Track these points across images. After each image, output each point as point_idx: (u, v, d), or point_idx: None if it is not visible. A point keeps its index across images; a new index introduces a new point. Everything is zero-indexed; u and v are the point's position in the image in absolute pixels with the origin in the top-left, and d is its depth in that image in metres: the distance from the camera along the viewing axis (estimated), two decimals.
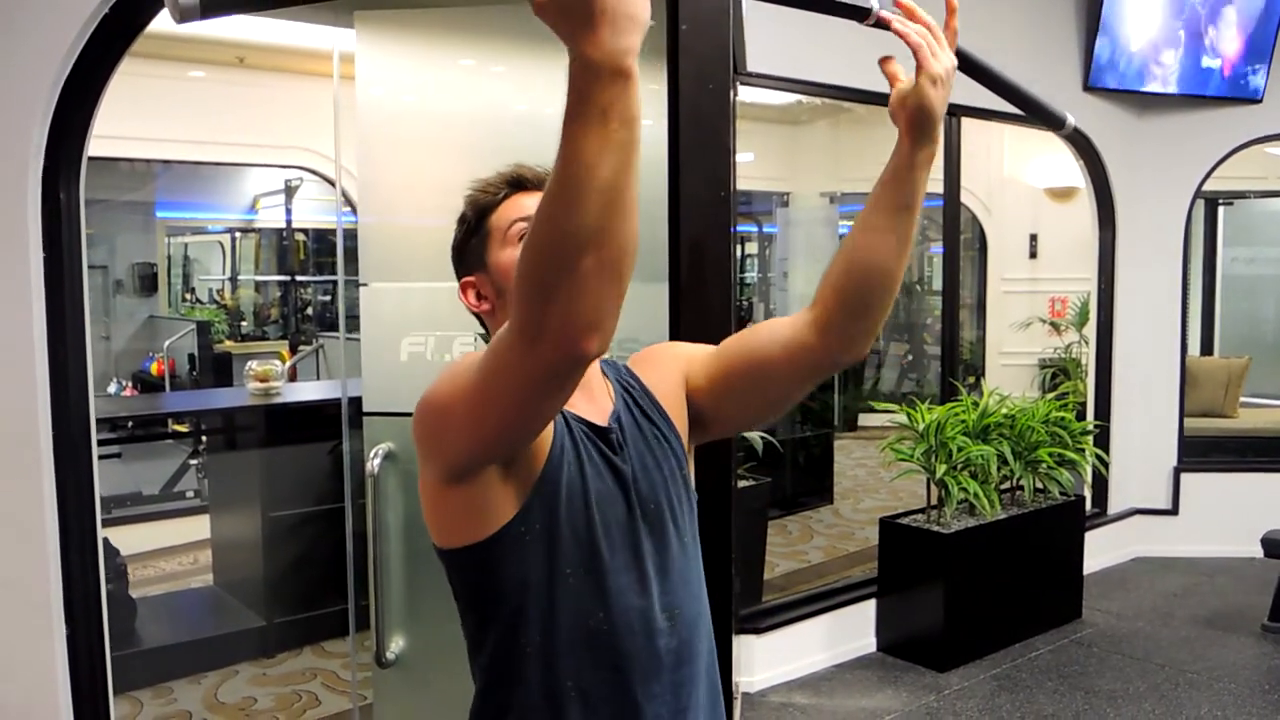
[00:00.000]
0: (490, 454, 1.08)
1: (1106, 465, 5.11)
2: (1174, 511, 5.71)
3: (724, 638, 1.85)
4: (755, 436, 4.62)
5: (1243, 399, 6.91)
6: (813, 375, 1.27)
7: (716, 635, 1.30)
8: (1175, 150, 5.60)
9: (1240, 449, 6.36)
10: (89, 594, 2.64)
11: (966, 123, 4.85)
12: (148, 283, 8.98)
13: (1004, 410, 4.52)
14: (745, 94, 4.12)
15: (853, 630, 4.34)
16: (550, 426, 1.12)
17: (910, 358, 9.24)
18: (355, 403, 2.73)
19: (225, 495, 4.84)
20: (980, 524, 4.26)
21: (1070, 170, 6.34)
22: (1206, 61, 5.38)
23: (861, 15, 1.11)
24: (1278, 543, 4.52)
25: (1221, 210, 7.86)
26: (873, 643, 4.39)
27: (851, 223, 1.27)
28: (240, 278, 10.18)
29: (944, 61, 1.12)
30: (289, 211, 9.35)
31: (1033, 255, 8.01)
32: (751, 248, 9.77)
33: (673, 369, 1.33)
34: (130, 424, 5.32)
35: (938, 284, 7.86)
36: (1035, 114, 1.28)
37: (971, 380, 7.22)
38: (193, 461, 6.19)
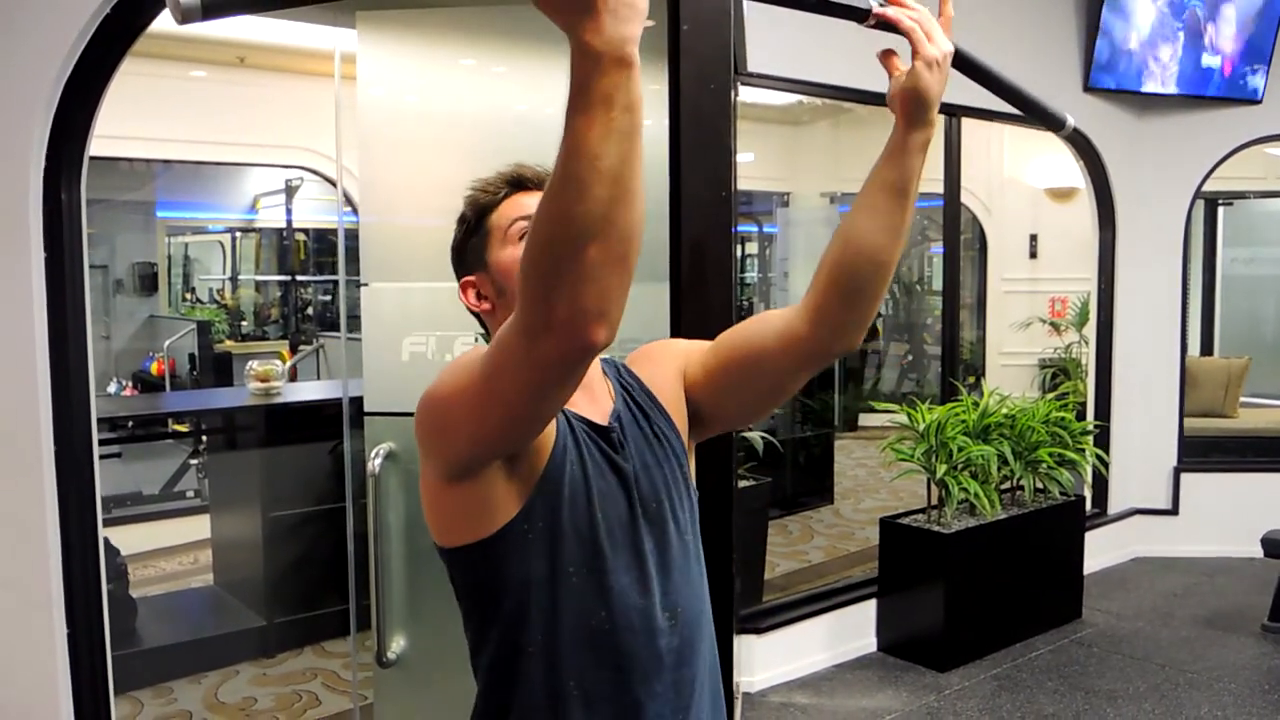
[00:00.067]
0: (493, 451, 1.08)
1: (1106, 465, 5.10)
2: (1174, 511, 5.71)
3: (725, 638, 1.85)
4: (755, 436, 4.62)
5: (1243, 399, 6.91)
6: (806, 365, 1.27)
7: (717, 635, 1.30)
8: (1175, 150, 5.60)
9: (1240, 449, 6.36)
10: (89, 594, 2.65)
11: (966, 123, 4.85)
12: (148, 282, 8.97)
13: (1004, 410, 4.52)
14: (746, 94, 4.12)
15: (853, 630, 4.34)
16: (552, 426, 1.12)
17: (910, 358, 9.24)
18: (356, 403, 2.74)
19: (226, 495, 4.84)
20: (980, 524, 4.26)
21: (1070, 170, 6.34)
22: (1206, 61, 5.38)
23: (861, 16, 1.12)
24: (1278, 543, 4.51)
25: (1221, 210, 7.86)
26: (873, 643, 4.39)
27: None
28: (240, 277, 10.17)
29: (939, 46, 1.13)
30: (289, 211, 9.34)
31: (1033, 255, 8.00)
32: (752, 248, 9.76)
33: (671, 366, 1.33)
34: (130, 424, 5.31)
35: (938, 284, 7.88)
36: (1035, 115, 1.28)
37: (972, 380, 7.21)
38: (193, 461, 6.18)
